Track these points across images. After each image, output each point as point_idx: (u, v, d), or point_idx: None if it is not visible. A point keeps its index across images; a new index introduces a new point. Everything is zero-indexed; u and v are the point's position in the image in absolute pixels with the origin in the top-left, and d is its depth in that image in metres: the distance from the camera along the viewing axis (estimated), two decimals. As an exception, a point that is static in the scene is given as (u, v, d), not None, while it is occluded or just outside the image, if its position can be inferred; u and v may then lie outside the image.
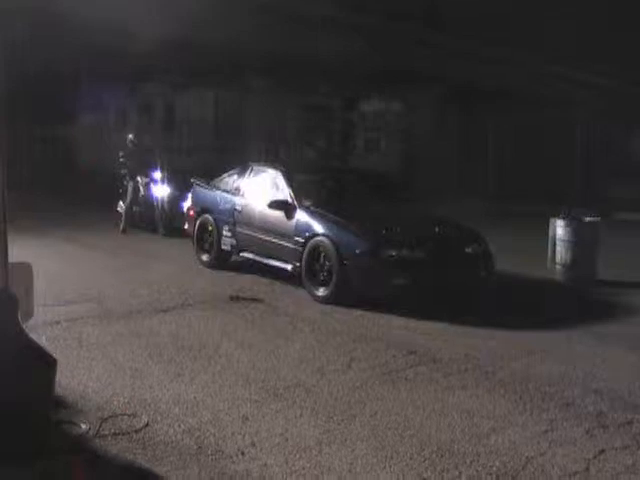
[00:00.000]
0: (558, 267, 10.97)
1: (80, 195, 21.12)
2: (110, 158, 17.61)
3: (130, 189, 15.02)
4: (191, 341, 7.22)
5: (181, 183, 14.25)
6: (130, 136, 15.44)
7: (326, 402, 5.65)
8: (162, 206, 14.86)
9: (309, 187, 10.64)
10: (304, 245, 9.39)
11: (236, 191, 10.96)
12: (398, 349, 7.13)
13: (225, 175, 11.52)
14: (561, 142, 23.73)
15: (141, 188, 15.16)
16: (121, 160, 15.11)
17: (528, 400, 5.81)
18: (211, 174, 12.26)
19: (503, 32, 21.09)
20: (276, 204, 9.91)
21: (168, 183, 14.99)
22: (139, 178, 15.10)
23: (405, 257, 8.72)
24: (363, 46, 21.88)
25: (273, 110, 26.55)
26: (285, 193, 10.06)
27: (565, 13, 21.09)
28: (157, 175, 15.08)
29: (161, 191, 14.97)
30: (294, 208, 9.76)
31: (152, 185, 15.10)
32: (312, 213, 9.61)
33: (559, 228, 10.95)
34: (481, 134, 26.50)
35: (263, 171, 10.87)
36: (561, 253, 10.91)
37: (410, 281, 8.60)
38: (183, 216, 12.60)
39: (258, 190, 10.64)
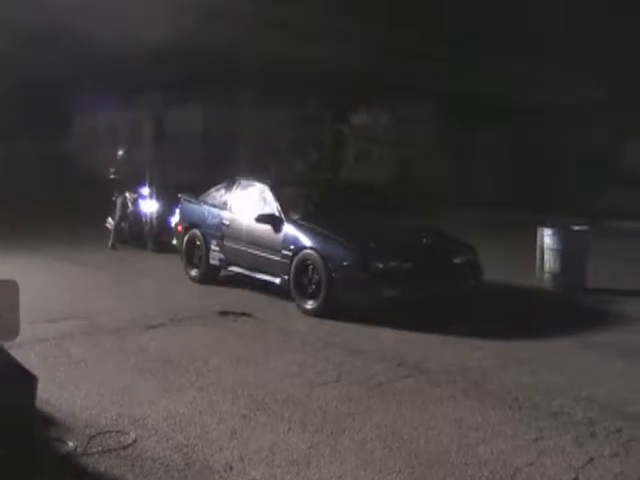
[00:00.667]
0: (547, 275, 11.02)
1: (69, 210, 21.10)
2: (100, 173, 17.60)
3: (119, 205, 15.01)
4: (180, 356, 7.22)
5: (170, 198, 14.22)
6: (120, 152, 15.44)
7: (315, 415, 5.67)
8: (151, 221, 14.85)
9: (297, 200, 10.66)
10: (292, 258, 9.40)
11: (224, 205, 10.97)
12: (387, 361, 7.15)
13: (212, 190, 11.53)
14: (553, 149, 23.86)
15: (129, 204, 15.15)
16: (112, 177, 15.11)
17: (517, 410, 5.84)
18: (201, 189, 12.27)
19: (499, 42, 21.22)
20: (263, 218, 9.94)
21: (157, 198, 14.97)
22: (127, 194, 15.09)
23: (393, 269, 8.75)
24: (356, 56, 22.01)
25: (263, 123, 26.62)
26: (272, 207, 10.08)
27: (553, 15, 21.25)
28: (145, 191, 15.06)
29: (150, 206, 14.96)
30: (281, 221, 9.79)
31: (140, 200, 15.09)
32: (300, 226, 9.63)
33: (547, 237, 11.01)
34: (473, 145, 26.64)
35: (250, 185, 10.89)
36: (549, 262, 10.97)
37: (399, 292, 8.64)
38: (171, 231, 12.59)
39: (245, 204, 10.66)
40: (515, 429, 5.44)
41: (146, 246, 14.81)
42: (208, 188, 11.77)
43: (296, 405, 5.89)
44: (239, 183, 11.07)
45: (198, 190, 12.21)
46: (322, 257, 9.01)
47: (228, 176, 11.74)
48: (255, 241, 10.14)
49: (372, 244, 9.14)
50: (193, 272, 11.33)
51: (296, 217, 9.87)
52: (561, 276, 10.84)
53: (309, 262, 9.20)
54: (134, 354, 7.30)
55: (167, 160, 25.61)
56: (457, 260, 9.43)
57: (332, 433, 5.32)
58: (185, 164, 26.14)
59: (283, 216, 9.84)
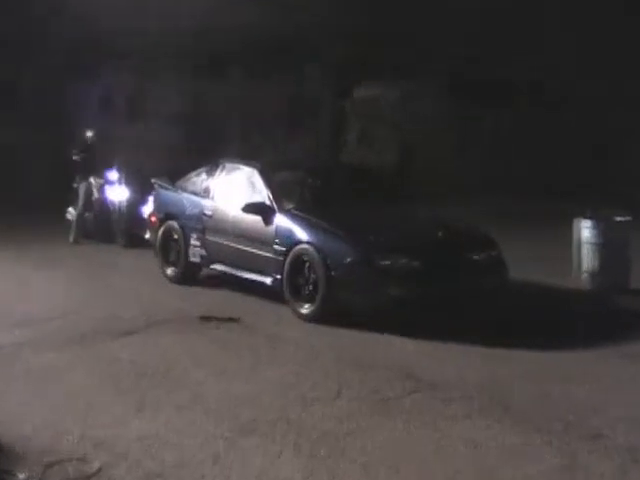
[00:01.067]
0: (584, 275, 11.06)
1: (23, 200, 21.07)
2: (63, 156, 17.63)
3: (82, 192, 15.03)
4: (155, 368, 7.28)
5: (142, 184, 14.26)
6: (89, 133, 15.44)
7: (310, 436, 5.73)
8: (119, 211, 14.89)
9: (291, 187, 10.72)
10: (285, 255, 9.46)
11: (205, 193, 11.03)
12: (394, 373, 7.21)
13: (192, 174, 11.57)
14: (587, 131, 23.85)
15: (94, 191, 15.18)
16: (74, 158, 15.13)
17: (546, 430, 5.88)
18: (179, 173, 12.32)
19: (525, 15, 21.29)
20: (252, 207, 9.99)
21: (127, 185, 15.01)
22: (92, 179, 15.12)
23: (402, 266, 8.80)
24: (357, 23, 22.02)
25: (253, 98, 26.58)
26: (263, 194, 10.14)
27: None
28: (113, 175, 15.09)
29: (118, 194, 15.00)
30: (273, 212, 9.84)
31: (107, 187, 15.13)
32: (294, 217, 9.69)
33: (585, 230, 11.04)
34: (493, 124, 26.64)
35: (237, 169, 10.94)
36: (588, 258, 11.01)
37: (408, 294, 8.68)
38: (144, 223, 12.65)
39: (231, 191, 10.71)
40: (542, 452, 5.48)
41: (114, 240, 14.86)
42: (187, 172, 11.81)
43: (289, 425, 5.95)
44: (223, 167, 11.12)
45: (176, 175, 12.26)
46: (320, 253, 9.07)
47: (211, 159, 11.78)
48: (242, 234, 10.19)
49: (377, 238, 9.19)
50: (170, 271, 11.39)
51: (290, 206, 9.92)
52: (601, 275, 10.88)
53: (305, 259, 9.26)
54: (102, 365, 7.37)
55: (142, 140, 25.62)
56: (476, 256, 9.46)
57: (330, 456, 5.39)
58: (163, 145, 26.15)
59: (275, 205, 9.90)
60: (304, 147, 27.00)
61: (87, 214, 15.19)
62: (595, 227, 10.99)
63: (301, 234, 9.45)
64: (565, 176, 21.34)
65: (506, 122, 25.49)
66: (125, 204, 14.84)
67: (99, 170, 15.11)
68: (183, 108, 27.09)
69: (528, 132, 24.75)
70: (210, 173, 11.20)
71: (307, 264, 9.25)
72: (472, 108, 25.59)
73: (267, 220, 9.84)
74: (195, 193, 11.18)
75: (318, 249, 9.12)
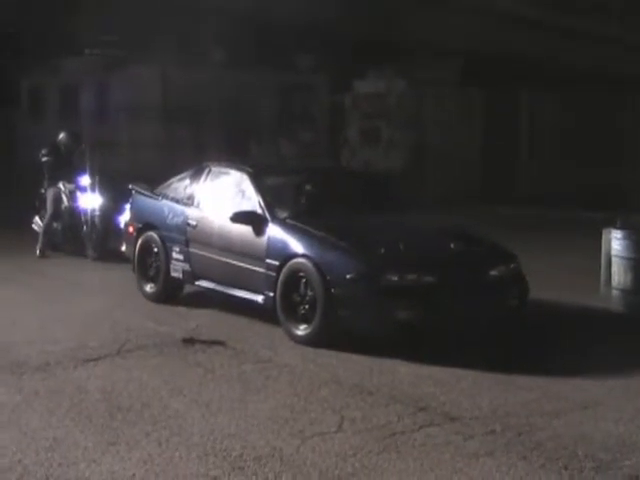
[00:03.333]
0: (615, 292, 11.01)
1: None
2: (25, 158, 17.59)
3: (50, 199, 14.97)
4: (130, 400, 7.21)
5: (117, 191, 14.19)
6: (62, 135, 15.36)
7: (309, 476, 5.66)
8: (92, 221, 14.82)
9: (285, 193, 10.68)
10: (279, 270, 9.39)
11: (189, 200, 10.96)
12: (404, 404, 7.14)
13: (174, 179, 11.53)
14: (618, 130, 23.88)
15: (64, 198, 15.11)
16: (43, 160, 15.07)
17: (577, 470, 5.82)
18: (158, 178, 12.25)
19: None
20: (242, 217, 9.93)
21: (100, 191, 14.95)
22: (62, 185, 15.05)
23: (411, 283, 8.75)
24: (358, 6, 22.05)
25: (240, 92, 26.58)
26: (253, 202, 10.08)
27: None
28: (85, 181, 15.03)
29: (91, 202, 14.93)
30: (265, 221, 9.78)
31: (79, 194, 15.06)
32: (289, 227, 9.63)
33: (615, 241, 10.99)
34: (512, 120, 26.65)
35: (224, 173, 10.89)
36: (618, 274, 10.94)
37: (418, 314, 8.63)
38: (121, 234, 12.57)
39: (218, 198, 10.66)
40: (573, 495, 5.43)
41: (86, 253, 14.78)
42: (168, 177, 11.76)
43: (284, 462, 5.88)
44: (209, 171, 11.06)
45: (155, 180, 12.19)
46: (318, 268, 9.00)
47: (194, 161, 11.73)
48: (230, 247, 10.13)
49: (383, 251, 9.12)
50: (148, 287, 11.31)
51: (284, 215, 9.86)
52: (634, 293, 10.81)
53: (301, 274, 9.20)
54: (68, 397, 7.28)
55: (113, 140, 25.61)
56: (494, 272, 9.42)
57: (331, 500, 5.32)
58: (138, 145, 26.14)
59: (267, 214, 9.83)
60: (298, 146, 27.00)
61: (55, 224, 15.11)
62: (627, 238, 10.91)
63: (296, 246, 9.37)
64: (603, 178, 21.32)
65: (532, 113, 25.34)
66: (98, 213, 14.76)
67: (70, 173, 15.01)
68: (159, 100, 27.08)
69: (560, 127, 24.69)
70: (194, 178, 11.14)
71: (303, 280, 9.18)
72: (494, 95, 25.46)
73: (258, 231, 9.78)
74: (177, 200, 11.11)
75: (316, 263, 9.05)
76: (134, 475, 5.66)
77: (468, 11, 24.02)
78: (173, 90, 26.89)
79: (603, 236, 11.33)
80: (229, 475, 5.68)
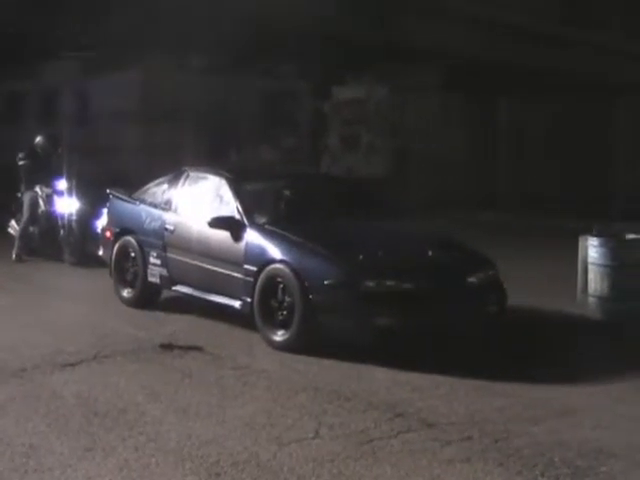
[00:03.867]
0: (591, 299, 11.05)
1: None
2: (1, 161, 17.50)
3: (27, 203, 14.92)
4: (107, 405, 7.18)
5: (95, 195, 14.17)
6: (39, 138, 15.33)
7: (285, 483, 5.65)
8: (69, 225, 14.78)
9: (264, 199, 10.67)
10: (257, 275, 9.39)
11: (167, 205, 10.94)
12: (381, 410, 7.14)
13: (152, 184, 11.50)
14: (598, 137, 24.01)
15: (41, 202, 15.06)
16: (20, 163, 15.03)
17: (553, 477, 5.83)
18: (136, 182, 12.22)
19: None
20: (219, 222, 9.92)
21: (77, 195, 14.91)
22: (38, 189, 15.01)
23: (389, 289, 8.76)
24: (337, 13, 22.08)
25: (222, 97, 26.55)
26: (231, 207, 10.07)
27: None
28: (62, 185, 14.99)
29: (68, 206, 14.89)
30: (243, 227, 9.77)
31: (56, 198, 15.02)
32: (267, 233, 9.63)
33: (592, 249, 11.03)
34: (494, 126, 26.76)
35: (202, 178, 10.88)
36: (595, 281, 10.99)
37: (396, 321, 8.64)
38: (98, 239, 12.54)
39: (196, 203, 10.65)
40: (549, 501, 5.45)
41: (62, 258, 14.74)
42: (146, 181, 11.74)
43: (261, 468, 5.87)
44: (187, 175, 11.05)
45: (134, 184, 12.17)
46: (296, 274, 9.00)
47: (174, 166, 11.72)
48: (208, 252, 10.11)
49: (362, 257, 9.13)
50: (126, 293, 11.29)
51: (263, 221, 9.87)
52: (610, 300, 10.86)
53: (279, 280, 9.19)
54: (45, 402, 7.24)
55: (92, 145, 25.53)
56: (472, 279, 9.45)
57: (308, 506, 5.32)
58: (117, 149, 26.07)
59: (245, 219, 9.83)
60: (278, 152, 26.99)
61: (32, 228, 15.06)
62: (603, 246, 10.96)
63: (274, 252, 9.38)
64: (582, 186, 21.41)
65: (515, 119, 25.46)
66: (75, 217, 14.73)
67: (47, 177, 14.97)
68: (138, 105, 27.01)
69: (543, 132, 24.78)
70: (172, 183, 11.13)
71: (281, 286, 9.18)
72: (476, 102, 25.56)
73: (236, 236, 9.77)
74: (155, 205, 11.09)
75: (294, 269, 9.05)
76: (110, 481, 5.65)
77: (452, 18, 24.11)
78: (154, 95, 26.85)
79: (580, 243, 11.36)
80: (206, 480, 5.69)
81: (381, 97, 28.66)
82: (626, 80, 24.90)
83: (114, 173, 19.91)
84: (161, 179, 11.47)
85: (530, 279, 12.24)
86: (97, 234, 12.81)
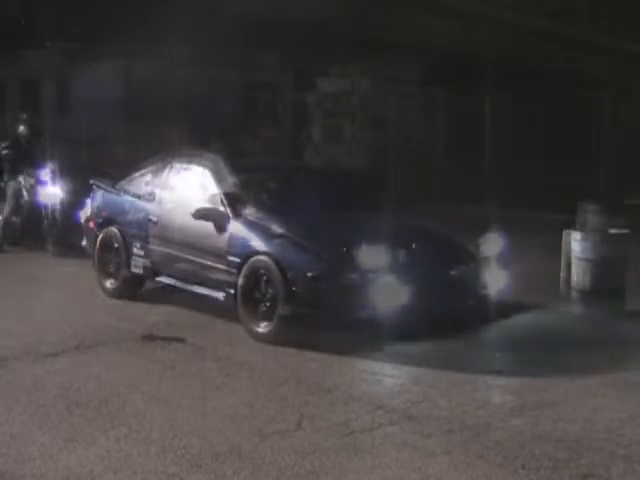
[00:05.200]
0: (574, 294, 11.07)
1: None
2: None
3: (10, 192, 14.88)
4: (88, 396, 7.18)
5: (78, 185, 14.14)
6: (22, 128, 15.28)
7: (267, 474, 5.66)
8: (52, 216, 14.74)
9: (247, 190, 10.65)
10: (240, 267, 9.39)
11: (150, 196, 10.92)
12: (362, 403, 7.15)
13: (136, 174, 11.47)
14: (579, 130, 24.05)
15: (24, 192, 15.02)
16: (3, 153, 14.98)
17: (534, 469, 5.85)
18: (118, 172, 12.18)
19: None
20: (203, 213, 9.91)
21: (61, 185, 14.87)
22: (22, 178, 14.96)
23: (372, 281, 8.78)
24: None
25: (203, 88, 26.50)
26: (215, 198, 10.06)
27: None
28: (45, 175, 14.94)
29: (51, 196, 14.85)
30: (227, 218, 9.76)
31: (40, 188, 14.97)
32: (251, 225, 9.63)
33: (575, 242, 11.05)
34: (476, 119, 26.76)
35: (186, 169, 10.86)
36: (578, 275, 11.02)
37: (378, 313, 8.65)
38: (81, 229, 12.50)
39: (180, 194, 10.63)
40: (529, 494, 5.47)
41: (44, 248, 14.70)
42: (128, 172, 11.70)
43: (242, 460, 5.88)
44: (171, 166, 11.03)
45: (115, 175, 12.13)
46: (279, 265, 9.01)
47: (155, 156, 11.67)
48: (192, 243, 10.10)
49: (345, 249, 9.14)
50: (109, 283, 11.27)
51: (247, 212, 9.86)
52: (594, 294, 10.89)
53: (262, 272, 9.20)
54: (25, 392, 7.25)
55: (73, 134, 25.44)
56: (454, 272, 9.53)
57: (289, 498, 5.33)
58: (98, 139, 26.01)
59: (229, 211, 9.82)
60: (264, 144, 26.96)
61: (15, 218, 15.01)
62: (586, 240, 10.98)
63: (257, 244, 9.38)
64: (565, 179, 21.42)
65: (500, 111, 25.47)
66: (58, 207, 14.68)
67: (30, 167, 14.93)
68: (121, 96, 26.93)
69: (527, 123, 24.79)
70: (156, 174, 11.10)
71: (264, 278, 9.18)
72: (458, 95, 25.57)
73: (220, 227, 9.76)
74: (139, 196, 11.07)
75: (277, 261, 9.06)
76: (92, 471, 5.63)
77: (435, 11, 24.12)
78: (136, 85, 26.79)
79: (563, 237, 11.37)
80: (187, 472, 5.67)
81: (365, 89, 28.64)
82: (609, 75, 25.01)
83: (96, 163, 19.85)
84: (145, 170, 11.43)
85: (514, 272, 12.24)
86: (80, 224, 12.75)
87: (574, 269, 11.08)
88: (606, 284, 10.89)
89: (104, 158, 22.71)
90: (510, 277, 10.26)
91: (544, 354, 9.00)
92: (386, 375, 8.07)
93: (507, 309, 10.57)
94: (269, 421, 6.67)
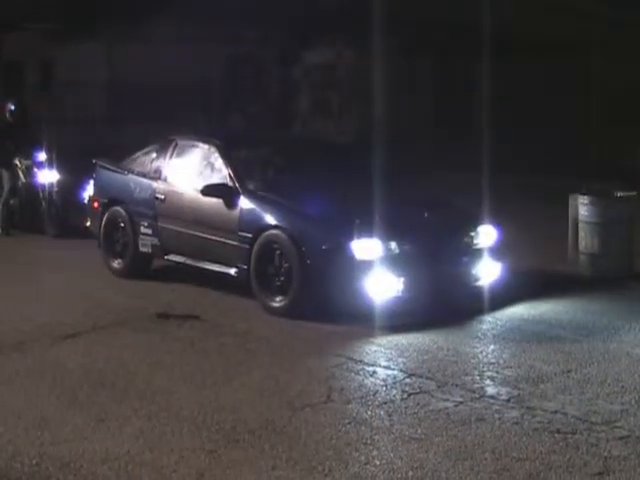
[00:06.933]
0: (582, 257, 11.11)
1: None
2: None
3: (7, 176, 14.76)
4: (113, 376, 7.20)
5: (75, 166, 14.04)
6: (10, 106, 15.15)
7: (305, 447, 5.69)
8: (50, 197, 14.63)
9: (252, 165, 10.61)
10: (252, 242, 9.36)
11: (156, 174, 10.84)
12: (390, 372, 7.22)
13: (140, 153, 11.38)
14: (575, 95, 24.07)
15: (21, 174, 14.91)
16: None
17: (529, 460, 5.65)
18: (108, 153, 12.15)
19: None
20: (212, 189, 9.84)
21: (57, 166, 14.75)
22: (17, 160, 14.85)
23: (387, 253, 8.79)
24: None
25: (188, 65, 26.40)
26: (223, 174, 10.00)
27: None
28: (42, 156, 14.83)
29: (48, 177, 14.74)
30: (237, 194, 9.71)
31: (37, 170, 14.86)
32: (261, 199, 9.59)
33: (582, 207, 11.08)
34: (464, 89, 26.74)
35: (192, 146, 10.79)
36: (585, 239, 11.04)
37: (394, 283, 8.71)
38: (83, 210, 12.42)
39: (186, 172, 10.57)
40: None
41: (44, 231, 14.60)
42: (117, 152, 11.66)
43: (278, 434, 5.90)
44: (176, 144, 10.94)
45: (105, 155, 12.13)
46: (293, 239, 8.99)
47: (140, 136, 11.62)
48: (201, 220, 10.05)
49: (358, 221, 9.11)
50: (116, 264, 11.19)
51: (255, 187, 9.84)
52: (601, 258, 10.93)
53: (275, 246, 9.18)
54: (49, 375, 7.24)
55: (59, 116, 25.32)
56: (467, 239, 9.55)
57: (331, 471, 5.34)
58: (83, 120, 25.94)
59: (239, 186, 9.77)
60: (248, 119, 26.89)
61: (12, 201, 14.90)
62: (593, 204, 11.01)
63: (270, 218, 9.35)
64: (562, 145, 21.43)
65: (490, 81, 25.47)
66: (56, 188, 14.57)
67: (26, 149, 14.81)
68: (105, 76, 26.81)
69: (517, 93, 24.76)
70: (161, 152, 11.01)
71: (278, 252, 9.15)
72: (441, 66, 25.56)
73: (230, 203, 9.71)
74: (144, 174, 10.98)
75: (291, 235, 9.03)
76: (129, 451, 5.64)
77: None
78: (120, 65, 26.67)
79: (570, 202, 11.39)
80: (225, 448, 5.69)
81: (350, 61, 28.55)
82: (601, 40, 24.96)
83: (84, 144, 19.78)
84: (149, 148, 11.34)
85: (520, 239, 12.26)
86: (82, 205, 12.65)
87: (582, 233, 11.10)
88: (613, 246, 10.94)
89: (90, 139, 22.67)
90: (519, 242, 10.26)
91: (554, 316, 9.11)
92: (410, 345, 8.04)
93: (520, 275, 10.51)
94: (298, 395, 6.68)
